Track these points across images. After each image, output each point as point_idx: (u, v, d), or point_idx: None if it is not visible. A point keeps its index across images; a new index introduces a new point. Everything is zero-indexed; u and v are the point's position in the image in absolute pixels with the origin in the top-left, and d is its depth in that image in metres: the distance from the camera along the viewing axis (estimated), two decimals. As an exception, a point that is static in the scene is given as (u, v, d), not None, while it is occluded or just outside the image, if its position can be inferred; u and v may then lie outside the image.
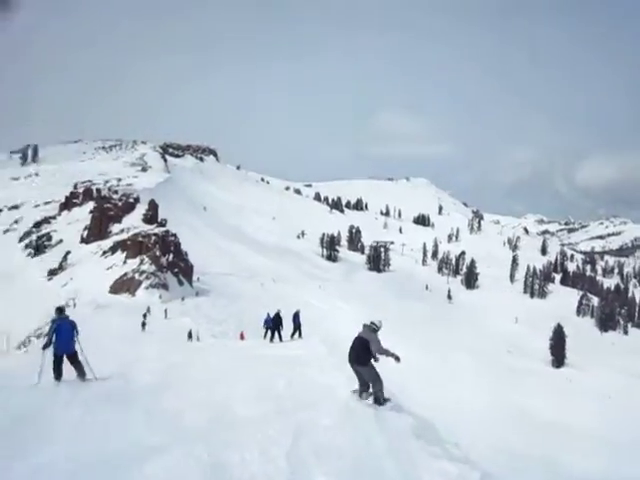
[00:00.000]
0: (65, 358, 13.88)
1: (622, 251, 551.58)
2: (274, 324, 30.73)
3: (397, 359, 11.34)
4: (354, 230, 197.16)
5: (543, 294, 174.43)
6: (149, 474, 6.98)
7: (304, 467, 7.53)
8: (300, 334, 30.90)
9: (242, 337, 45.73)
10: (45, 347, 14.04)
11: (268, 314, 34.16)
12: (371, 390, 11.60)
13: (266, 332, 32.74)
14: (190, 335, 45.43)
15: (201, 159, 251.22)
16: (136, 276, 76.49)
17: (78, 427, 9.47)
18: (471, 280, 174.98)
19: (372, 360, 11.33)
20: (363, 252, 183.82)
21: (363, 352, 11.27)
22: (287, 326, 31.52)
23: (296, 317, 31.05)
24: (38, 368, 13.55)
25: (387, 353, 11.32)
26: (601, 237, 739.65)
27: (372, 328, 11.58)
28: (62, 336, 13.73)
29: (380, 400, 11.32)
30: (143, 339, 43.16)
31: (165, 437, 8.57)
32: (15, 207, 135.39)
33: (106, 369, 14.94)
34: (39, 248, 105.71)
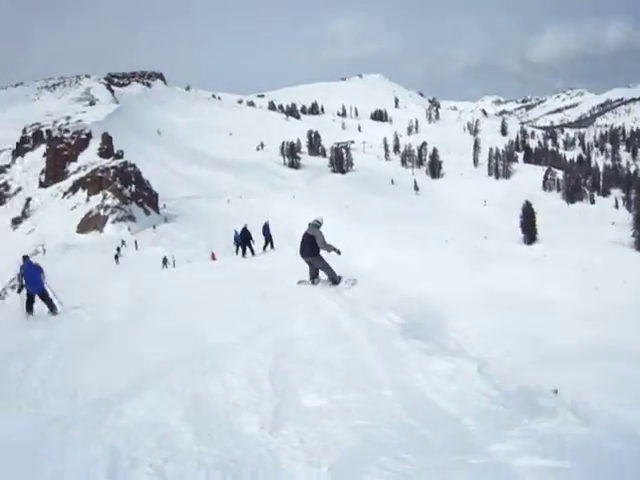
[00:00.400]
0: (37, 297, 15.64)
1: (581, 122, 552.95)
2: (243, 239, 30.03)
3: (338, 252, 13.18)
4: (313, 135, 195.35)
5: (508, 174, 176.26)
6: (128, 415, 6.61)
7: (290, 387, 7.15)
8: (272, 245, 30.73)
9: (213, 257, 45.74)
10: (19, 291, 16.16)
11: (235, 231, 34.13)
12: (323, 277, 13.64)
13: (237, 249, 32.66)
14: (165, 262, 45.74)
15: (148, 85, 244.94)
16: (101, 212, 76.24)
17: (50, 372, 9.13)
18: (435, 169, 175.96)
19: (320, 252, 13.31)
20: (325, 155, 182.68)
21: (311, 246, 13.25)
22: (258, 240, 31.09)
23: (266, 229, 30.71)
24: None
25: (329, 248, 13.10)
26: (559, 110, 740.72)
27: (315, 225, 13.56)
28: (29, 278, 15.63)
29: (335, 280, 13.24)
30: (117, 271, 43.65)
31: (140, 373, 8.20)
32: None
33: (78, 302, 16.12)
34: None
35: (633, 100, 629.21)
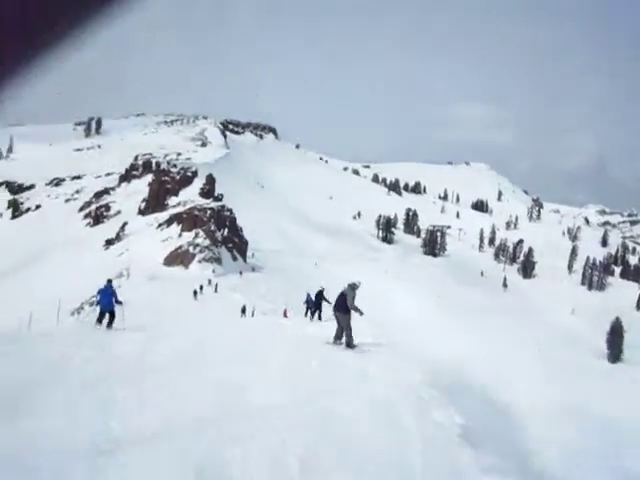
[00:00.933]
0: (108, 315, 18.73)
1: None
2: (315, 302, 28.80)
3: (361, 313, 14.79)
4: (411, 213, 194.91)
5: (602, 286, 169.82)
6: (116, 469, 5.53)
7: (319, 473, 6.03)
8: (320, 316, 28.22)
9: (285, 314, 44.86)
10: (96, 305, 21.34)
11: (308, 294, 32.89)
12: (343, 338, 14.69)
13: (306, 311, 31.59)
14: (244, 310, 44.70)
15: (261, 137, 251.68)
16: (190, 249, 76.67)
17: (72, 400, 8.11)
18: (528, 269, 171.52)
19: (349, 312, 14.61)
20: (419, 235, 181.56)
21: (342, 303, 14.76)
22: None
23: (318, 296, 28.74)
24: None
25: (355, 308, 14.60)
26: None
27: (352, 287, 14.98)
28: (103, 299, 19.02)
29: (350, 344, 14.34)
30: (193, 308, 42.98)
31: (156, 423, 7.15)
32: (77, 177, 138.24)
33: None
34: (98, 218, 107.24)
35: None
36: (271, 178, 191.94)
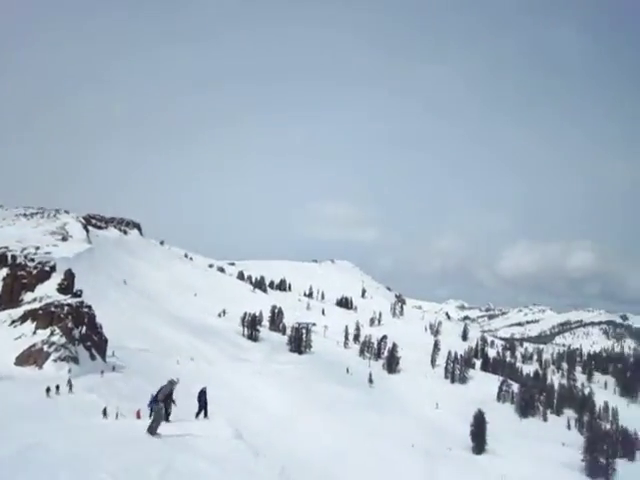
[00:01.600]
0: None
1: (540, 338, 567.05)
2: (165, 401, 27.63)
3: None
4: (276, 310, 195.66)
5: (464, 379, 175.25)
6: None
7: None
8: (206, 414, 27.22)
9: (138, 416, 42.96)
10: None
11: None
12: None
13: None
14: (105, 412, 42.24)
15: (125, 232, 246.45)
16: (45, 347, 72.45)
17: None
18: (392, 364, 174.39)
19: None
20: (285, 333, 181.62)
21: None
22: (192, 404, 28.03)
23: (202, 395, 27.57)
24: None
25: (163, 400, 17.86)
26: (520, 324, 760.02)
27: (171, 382, 18.15)
28: None
29: (152, 431, 16.54)
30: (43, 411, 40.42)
31: None
32: None
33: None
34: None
35: (592, 324, 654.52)
36: (135, 274, 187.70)
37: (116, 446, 14.99)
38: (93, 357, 79.91)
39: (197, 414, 27.08)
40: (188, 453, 13.81)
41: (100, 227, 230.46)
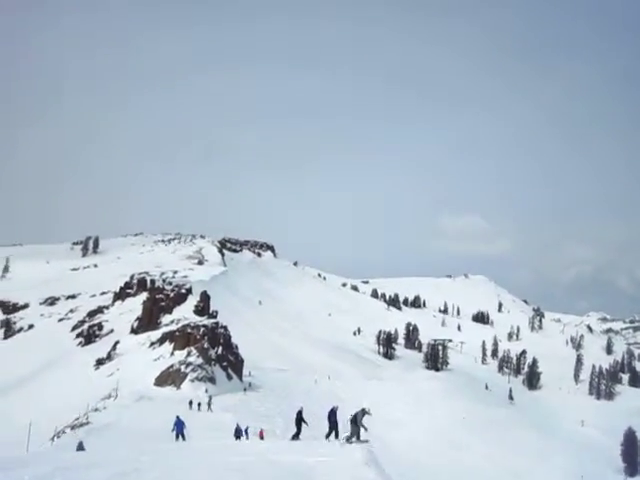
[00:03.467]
0: None
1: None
2: (297, 421, 25.98)
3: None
4: (411, 327, 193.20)
5: (610, 395, 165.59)
6: None
7: None
8: (337, 434, 24.89)
9: (261, 436, 42.37)
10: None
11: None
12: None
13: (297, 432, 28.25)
14: (238, 434, 40.91)
15: (259, 254, 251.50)
16: (182, 368, 73.62)
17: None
18: (533, 380, 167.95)
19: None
20: (420, 350, 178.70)
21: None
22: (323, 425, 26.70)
23: (332, 414, 24.97)
24: None
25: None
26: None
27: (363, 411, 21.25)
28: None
29: (350, 440, 20.53)
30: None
31: None
32: (72, 297, 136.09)
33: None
34: (90, 337, 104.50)
35: None
36: (270, 295, 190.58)
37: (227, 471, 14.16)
38: (230, 377, 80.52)
39: (327, 435, 24.96)
40: None
41: (235, 250, 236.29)
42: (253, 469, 14.52)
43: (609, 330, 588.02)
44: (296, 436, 25.63)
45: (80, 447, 32.48)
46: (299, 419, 25.96)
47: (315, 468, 14.45)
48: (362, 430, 21.08)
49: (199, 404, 57.91)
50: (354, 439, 20.58)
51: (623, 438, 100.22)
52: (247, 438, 40.23)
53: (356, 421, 25.04)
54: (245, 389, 79.20)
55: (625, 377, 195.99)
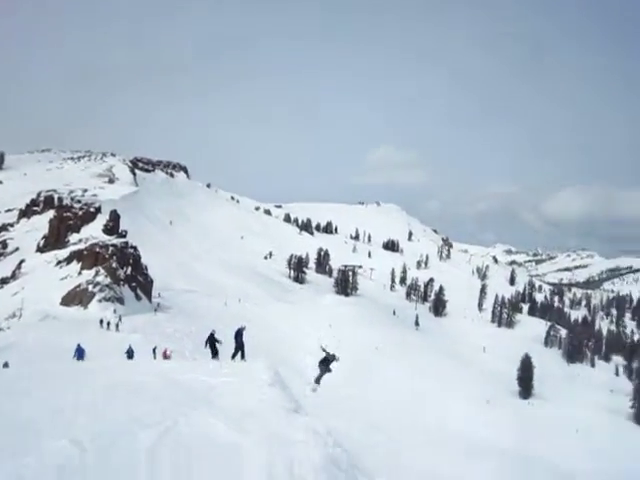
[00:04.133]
0: None
1: (589, 284, 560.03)
2: (210, 344, 25.52)
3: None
4: (323, 253, 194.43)
5: (511, 323, 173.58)
6: None
7: None
8: (243, 355, 25.03)
9: (165, 356, 40.73)
10: None
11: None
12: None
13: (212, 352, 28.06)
14: (130, 355, 40.02)
15: (171, 175, 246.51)
16: (89, 288, 72.49)
17: None
18: (439, 307, 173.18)
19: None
20: (331, 275, 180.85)
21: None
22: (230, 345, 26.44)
23: (238, 335, 25.14)
24: None
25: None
26: (568, 269, 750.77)
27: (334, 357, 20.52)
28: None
29: (318, 380, 20.24)
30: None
31: None
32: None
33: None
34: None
35: None
36: (182, 217, 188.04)
37: (121, 390, 13.76)
38: (139, 297, 79.92)
39: (233, 355, 25.05)
40: (204, 407, 11.78)
41: (147, 170, 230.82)
42: (148, 389, 14.08)
43: (513, 262, 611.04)
44: (214, 357, 25.25)
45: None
46: (212, 341, 25.64)
47: (216, 388, 14.25)
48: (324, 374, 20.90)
49: (108, 323, 57.80)
50: (318, 382, 20.44)
51: (520, 364, 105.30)
52: (155, 358, 39.97)
53: (326, 363, 25.15)
54: (155, 310, 78.99)
55: (525, 307, 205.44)
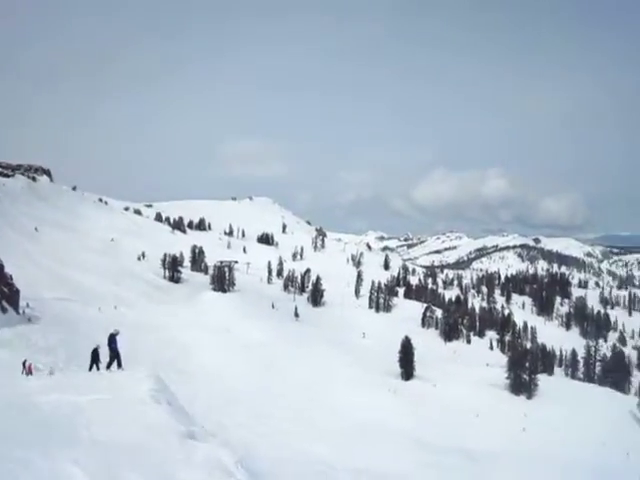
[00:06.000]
0: None
1: (459, 264, 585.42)
2: (93, 359, 24.30)
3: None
4: (197, 250, 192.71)
5: (388, 308, 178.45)
6: None
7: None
8: (120, 363, 23.34)
9: (29, 371, 37.99)
10: None
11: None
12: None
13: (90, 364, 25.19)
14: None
15: (33, 179, 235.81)
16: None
17: None
18: (317, 297, 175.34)
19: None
20: (207, 272, 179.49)
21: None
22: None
23: (112, 341, 23.64)
24: None
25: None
26: (438, 251, 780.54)
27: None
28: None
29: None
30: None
31: None
32: None
33: None
34: None
35: (507, 248, 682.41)
36: (47, 222, 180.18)
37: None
38: (4, 310, 76.05)
39: (108, 364, 23.84)
40: (61, 447, 9.51)
41: (6, 175, 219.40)
42: None
43: (386, 248, 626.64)
44: (109, 364, 23.83)
45: None
46: (94, 356, 24.54)
47: (84, 411, 12.10)
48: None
49: None
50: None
51: (400, 346, 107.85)
52: (27, 373, 37.96)
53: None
54: (29, 319, 75.94)
55: (401, 290, 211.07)
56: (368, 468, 39.51)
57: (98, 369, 23.93)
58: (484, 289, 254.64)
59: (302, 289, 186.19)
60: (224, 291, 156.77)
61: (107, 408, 12.15)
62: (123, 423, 10.71)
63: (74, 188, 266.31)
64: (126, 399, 13.15)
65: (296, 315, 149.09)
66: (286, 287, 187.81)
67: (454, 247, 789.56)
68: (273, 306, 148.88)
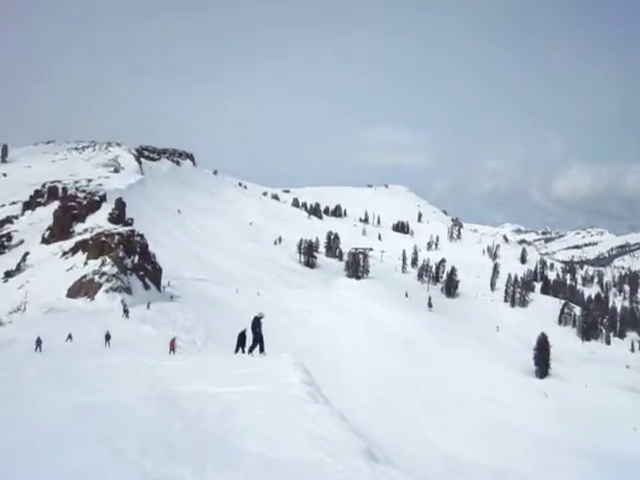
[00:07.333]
0: None
1: (599, 261, 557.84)
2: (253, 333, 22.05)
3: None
4: (332, 236, 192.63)
5: (524, 303, 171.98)
6: None
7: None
8: (262, 348, 21.86)
9: (172, 347, 37.41)
10: None
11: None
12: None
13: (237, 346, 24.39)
14: (38, 345, 36.93)
15: (177, 163, 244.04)
16: (96, 278, 70.16)
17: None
18: (451, 288, 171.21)
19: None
20: (341, 259, 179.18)
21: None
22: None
23: (256, 325, 21.79)
24: None
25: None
26: (578, 247, 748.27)
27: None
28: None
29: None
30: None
31: None
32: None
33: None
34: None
35: None
36: (189, 204, 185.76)
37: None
38: (147, 287, 77.63)
39: (251, 348, 22.22)
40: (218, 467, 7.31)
41: (153, 159, 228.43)
42: (122, 420, 9.60)
43: (523, 241, 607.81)
44: (252, 348, 22.14)
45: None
46: (241, 339, 24.10)
47: (237, 410, 9.90)
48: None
49: (127, 312, 57.69)
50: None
51: (536, 343, 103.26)
52: (170, 350, 36.63)
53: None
54: (172, 297, 77.46)
55: (537, 285, 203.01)
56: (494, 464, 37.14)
57: (244, 352, 23.34)
58: (626, 288, 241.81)
59: (436, 279, 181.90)
60: (358, 278, 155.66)
61: (261, 407, 10.03)
62: (286, 429, 8.46)
63: (215, 172, 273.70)
64: (280, 395, 11.10)
65: (429, 305, 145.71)
66: (420, 276, 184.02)
67: (594, 243, 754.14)
68: (407, 295, 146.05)
